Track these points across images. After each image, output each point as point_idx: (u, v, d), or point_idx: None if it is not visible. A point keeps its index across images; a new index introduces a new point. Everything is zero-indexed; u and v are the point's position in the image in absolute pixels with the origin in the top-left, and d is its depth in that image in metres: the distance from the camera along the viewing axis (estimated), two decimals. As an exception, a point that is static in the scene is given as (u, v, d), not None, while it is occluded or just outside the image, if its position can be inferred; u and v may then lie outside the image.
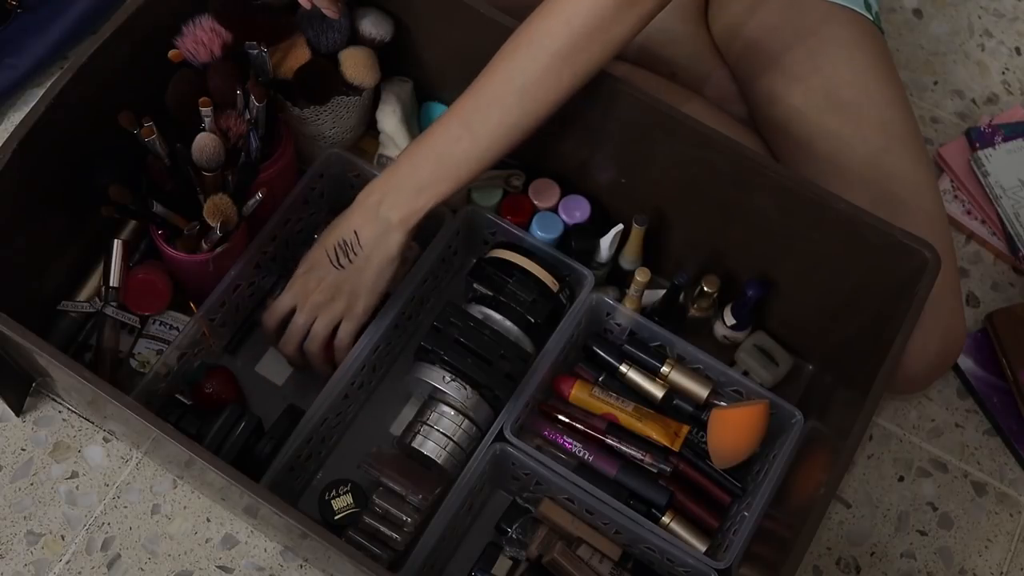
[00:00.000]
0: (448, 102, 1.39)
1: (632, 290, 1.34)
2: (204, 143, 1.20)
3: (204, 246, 1.25)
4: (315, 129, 1.38)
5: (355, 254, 1.19)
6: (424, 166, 1.18)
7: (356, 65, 1.33)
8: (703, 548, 1.25)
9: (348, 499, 1.24)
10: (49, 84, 1.18)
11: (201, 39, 1.23)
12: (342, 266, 1.21)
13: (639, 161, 1.32)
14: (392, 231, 1.19)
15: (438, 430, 1.24)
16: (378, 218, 1.18)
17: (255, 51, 1.25)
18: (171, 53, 1.24)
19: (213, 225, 1.21)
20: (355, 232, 1.19)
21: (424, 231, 1.39)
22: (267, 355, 1.36)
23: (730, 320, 1.37)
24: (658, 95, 1.23)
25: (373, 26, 1.35)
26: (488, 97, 1.15)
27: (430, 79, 1.43)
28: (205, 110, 1.21)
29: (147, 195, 1.20)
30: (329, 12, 1.26)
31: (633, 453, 1.27)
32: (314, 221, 1.37)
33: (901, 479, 1.41)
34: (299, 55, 1.31)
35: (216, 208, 1.21)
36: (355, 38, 1.35)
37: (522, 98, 1.14)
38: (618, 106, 1.26)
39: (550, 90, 1.14)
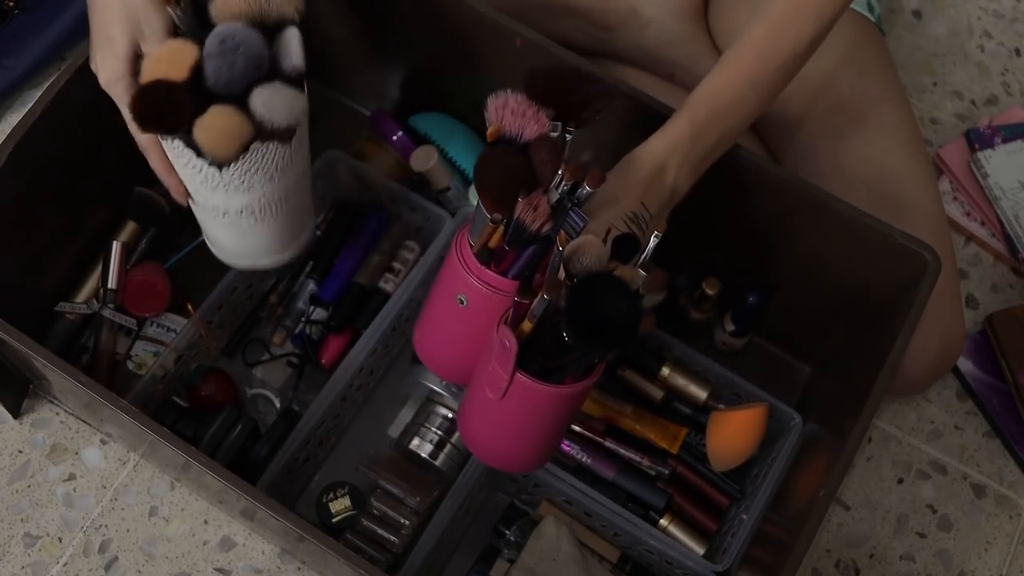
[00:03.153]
0: (443, 109, 1.39)
1: (632, 293, 1.34)
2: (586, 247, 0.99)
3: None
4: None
5: (645, 224, 1.13)
6: (711, 135, 1.13)
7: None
8: (701, 551, 1.25)
9: (346, 502, 1.24)
10: (47, 85, 1.18)
11: (519, 111, 1.06)
12: None
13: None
14: (676, 197, 1.14)
15: (436, 432, 1.23)
16: (667, 188, 1.13)
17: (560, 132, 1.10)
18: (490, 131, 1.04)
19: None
20: (643, 204, 1.12)
21: (424, 232, 1.39)
22: (265, 358, 1.36)
23: (730, 326, 1.36)
24: (657, 96, 1.23)
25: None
26: (779, 60, 1.13)
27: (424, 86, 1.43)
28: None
29: None
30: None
31: (631, 455, 1.27)
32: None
33: (900, 481, 1.41)
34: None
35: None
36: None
37: (801, 61, 1.14)
38: (617, 106, 1.25)
39: (815, 52, 1.15)
